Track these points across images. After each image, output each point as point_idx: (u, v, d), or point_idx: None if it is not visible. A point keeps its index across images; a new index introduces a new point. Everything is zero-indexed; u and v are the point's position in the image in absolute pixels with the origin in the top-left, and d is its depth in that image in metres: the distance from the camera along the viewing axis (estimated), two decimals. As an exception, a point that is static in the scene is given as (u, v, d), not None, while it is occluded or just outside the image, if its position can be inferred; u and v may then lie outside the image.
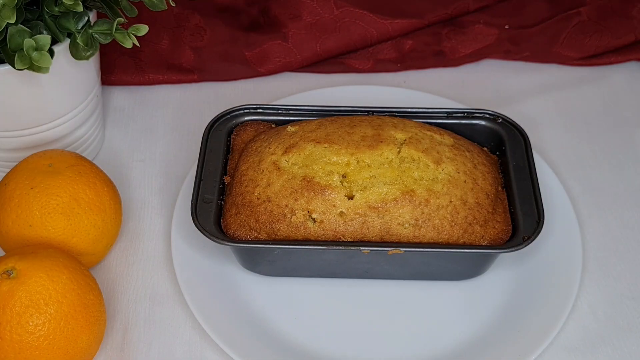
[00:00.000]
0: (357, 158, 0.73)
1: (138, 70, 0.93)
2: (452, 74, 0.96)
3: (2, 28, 0.66)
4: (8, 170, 0.75)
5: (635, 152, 0.88)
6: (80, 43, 0.70)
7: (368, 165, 0.73)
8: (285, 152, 0.74)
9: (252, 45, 0.94)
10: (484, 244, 0.72)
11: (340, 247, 0.70)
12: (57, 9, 0.69)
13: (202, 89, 0.93)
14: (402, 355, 0.72)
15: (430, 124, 0.79)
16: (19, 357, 0.64)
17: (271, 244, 0.71)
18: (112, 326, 0.74)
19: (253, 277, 0.76)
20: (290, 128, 0.77)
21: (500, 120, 0.80)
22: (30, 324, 0.64)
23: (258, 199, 0.73)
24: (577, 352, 0.72)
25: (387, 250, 0.70)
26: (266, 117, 0.81)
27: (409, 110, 0.81)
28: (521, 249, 0.71)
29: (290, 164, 0.74)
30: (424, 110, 0.81)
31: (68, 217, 0.71)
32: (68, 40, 0.72)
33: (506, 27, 0.96)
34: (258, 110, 0.81)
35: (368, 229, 0.71)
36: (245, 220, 0.73)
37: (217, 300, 0.74)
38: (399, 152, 0.73)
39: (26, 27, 0.68)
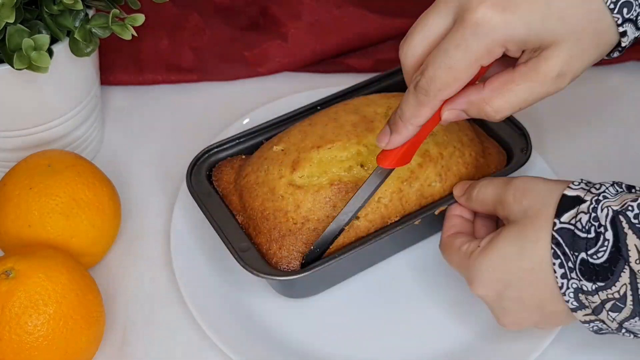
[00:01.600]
0: (365, 144, 0.73)
1: (138, 70, 0.93)
2: (452, 73, 0.95)
3: (1, 28, 0.66)
4: (7, 170, 0.75)
5: (634, 153, 0.87)
6: (79, 39, 0.70)
7: (377, 147, 0.72)
8: (294, 170, 0.72)
9: (252, 45, 0.94)
10: (493, 171, 0.77)
11: (398, 228, 0.72)
12: (56, 7, 0.69)
13: (201, 89, 0.93)
14: (401, 355, 0.72)
15: (374, 92, 0.82)
16: (18, 357, 0.64)
17: (354, 251, 0.70)
18: (112, 326, 0.74)
19: (252, 276, 0.76)
20: (276, 148, 0.75)
21: None
22: (29, 324, 0.64)
23: (295, 223, 0.71)
24: (577, 352, 0.72)
25: (435, 211, 0.73)
26: (231, 151, 0.78)
27: (355, 86, 0.83)
28: (529, 157, 0.77)
29: (307, 178, 0.72)
30: (363, 82, 0.83)
31: (67, 217, 0.71)
32: (67, 40, 0.72)
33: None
34: (220, 147, 0.78)
35: (407, 201, 0.73)
36: (293, 249, 0.71)
37: (216, 300, 0.74)
38: None
39: (25, 26, 0.68)
